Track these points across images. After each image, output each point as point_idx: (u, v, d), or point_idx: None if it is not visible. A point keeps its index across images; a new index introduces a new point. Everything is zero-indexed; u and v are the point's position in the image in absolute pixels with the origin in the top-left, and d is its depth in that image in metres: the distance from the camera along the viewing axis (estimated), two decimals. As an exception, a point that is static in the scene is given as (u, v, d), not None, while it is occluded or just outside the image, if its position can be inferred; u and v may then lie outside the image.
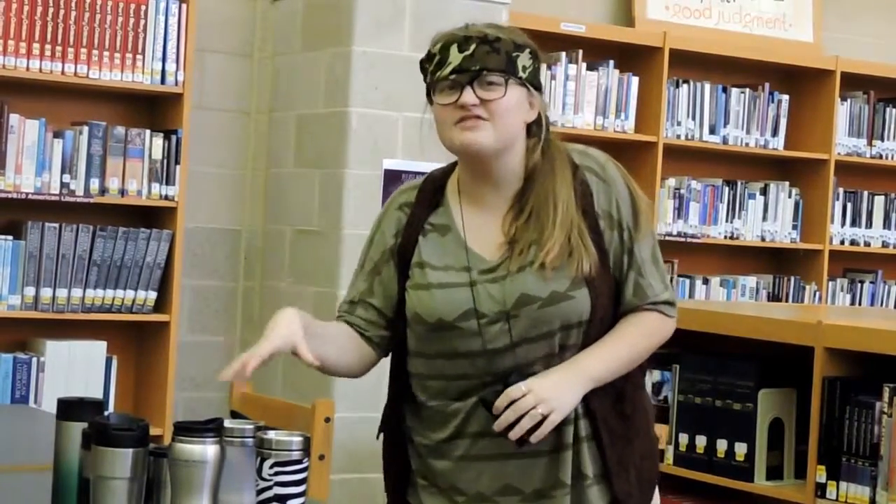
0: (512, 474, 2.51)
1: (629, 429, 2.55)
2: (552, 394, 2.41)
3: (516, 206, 2.52)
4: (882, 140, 6.52)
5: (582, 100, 5.70)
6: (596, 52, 5.76)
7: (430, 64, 2.51)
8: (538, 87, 2.53)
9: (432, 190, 2.62)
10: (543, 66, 2.59)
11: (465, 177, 2.58)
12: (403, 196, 2.66)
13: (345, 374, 2.71)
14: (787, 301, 6.30)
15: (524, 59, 2.50)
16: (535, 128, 2.54)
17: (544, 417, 2.39)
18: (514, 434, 2.38)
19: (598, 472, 2.52)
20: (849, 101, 6.42)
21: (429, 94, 2.55)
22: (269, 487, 2.11)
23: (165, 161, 4.83)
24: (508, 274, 2.48)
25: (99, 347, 4.82)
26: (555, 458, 2.49)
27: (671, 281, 5.93)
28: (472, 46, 2.46)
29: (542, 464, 2.50)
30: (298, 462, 2.12)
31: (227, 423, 2.13)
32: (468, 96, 2.45)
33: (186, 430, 2.04)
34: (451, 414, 2.54)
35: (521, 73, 2.49)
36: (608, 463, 2.51)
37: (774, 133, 6.26)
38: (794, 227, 6.35)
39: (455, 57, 2.46)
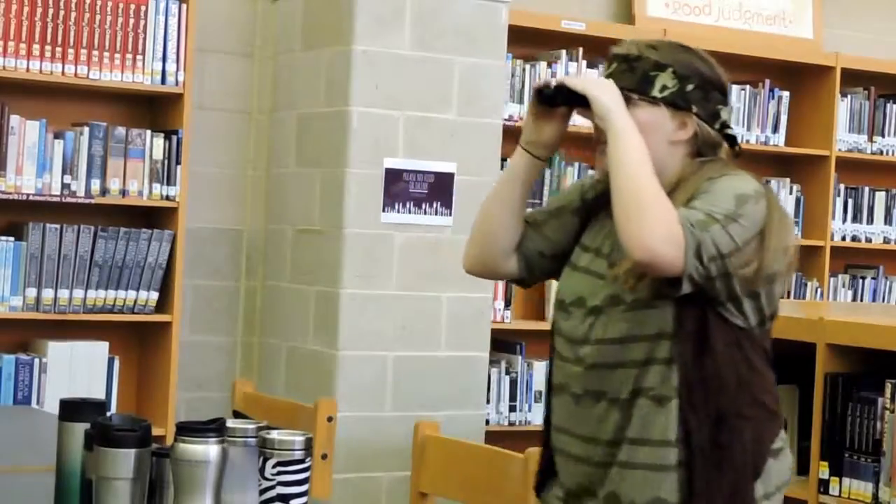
0: (589, 475, 2.55)
1: (723, 460, 2.47)
2: (605, 90, 2.48)
3: None
4: (883, 136, 6.51)
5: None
6: (596, 49, 5.74)
7: None
8: (686, 107, 2.51)
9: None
10: (689, 82, 2.53)
11: None
12: (588, 185, 2.72)
13: (497, 247, 2.70)
14: (788, 297, 6.30)
15: (665, 79, 2.50)
16: (704, 147, 2.55)
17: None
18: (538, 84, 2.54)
19: (681, 500, 2.48)
20: (849, 97, 6.42)
21: None
22: (272, 487, 2.11)
23: (166, 161, 4.83)
24: (608, 268, 2.52)
25: (101, 348, 4.82)
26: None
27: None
28: (613, 66, 2.53)
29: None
30: (301, 461, 2.12)
31: (230, 423, 2.13)
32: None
33: (189, 430, 2.04)
34: (552, 399, 2.62)
35: (655, 93, 2.50)
36: (694, 489, 2.45)
37: (775, 129, 6.25)
38: (795, 224, 6.35)
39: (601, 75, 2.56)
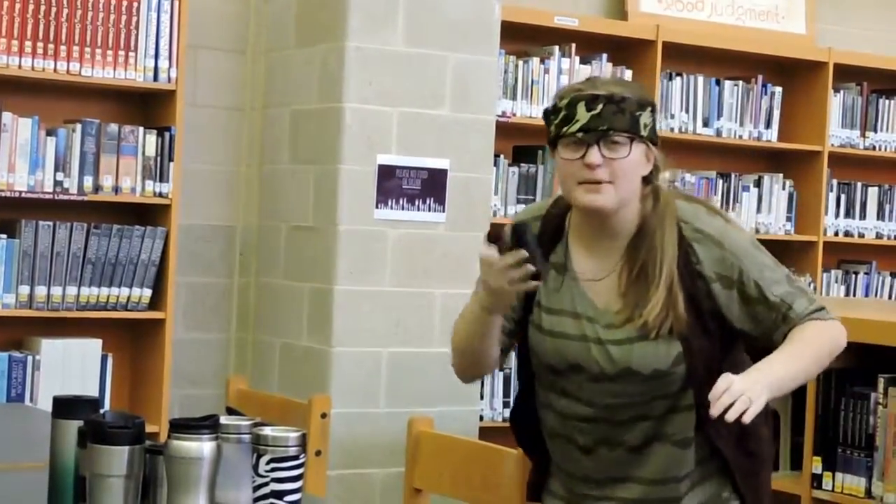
0: None
1: (755, 463, 2.67)
2: (754, 387, 2.43)
3: (629, 261, 2.59)
4: (875, 131, 6.52)
5: (575, 93, 5.69)
6: (589, 45, 5.76)
7: (556, 117, 2.57)
8: (656, 142, 2.61)
9: (555, 225, 2.69)
10: (658, 117, 2.66)
11: (580, 223, 2.65)
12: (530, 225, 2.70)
13: (487, 367, 2.74)
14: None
15: (646, 118, 2.57)
16: (650, 175, 2.62)
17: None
18: (731, 416, 2.40)
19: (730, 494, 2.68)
20: (842, 92, 6.42)
21: (551, 144, 2.61)
22: (266, 484, 2.12)
23: (159, 158, 4.82)
24: (618, 342, 2.58)
25: (94, 345, 4.81)
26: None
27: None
28: (600, 106, 2.53)
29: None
30: (295, 458, 2.12)
31: (223, 420, 2.13)
32: (594, 156, 2.52)
33: (182, 427, 2.04)
34: (550, 444, 2.73)
35: (643, 132, 2.56)
36: (744, 498, 2.66)
37: (768, 125, 6.26)
38: (789, 219, 6.35)
39: (582, 115, 2.53)
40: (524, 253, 2.44)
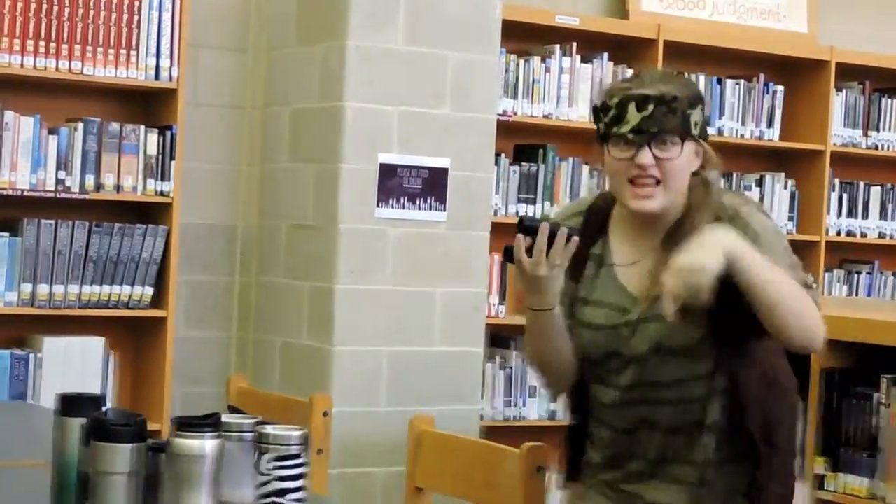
0: None
1: (772, 451, 2.67)
2: (690, 262, 2.43)
3: (666, 244, 2.60)
4: (878, 130, 6.51)
5: (576, 92, 5.69)
6: (590, 44, 5.76)
7: (606, 116, 2.58)
8: (706, 138, 2.63)
9: (598, 221, 2.72)
10: (705, 111, 2.65)
11: (626, 216, 2.68)
12: (571, 222, 2.71)
13: (571, 366, 2.74)
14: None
15: (696, 116, 2.58)
16: (699, 169, 2.64)
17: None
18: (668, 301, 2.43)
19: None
20: (844, 91, 6.42)
21: (601, 139, 2.61)
22: (269, 482, 2.11)
23: (160, 157, 4.82)
24: (647, 320, 2.61)
25: (96, 343, 4.82)
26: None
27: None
28: (651, 107, 2.54)
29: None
30: (297, 456, 2.12)
31: (226, 418, 2.14)
32: (645, 157, 2.54)
33: (185, 424, 2.04)
34: (597, 434, 2.76)
35: (693, 131, 2.57)
36: (758, 480, 2.67)
37: (770, 124, 6.25)
38: (791, 219, 6.35)
39: (633, 116, 2.54)
40: (545, 227, 2.50)
